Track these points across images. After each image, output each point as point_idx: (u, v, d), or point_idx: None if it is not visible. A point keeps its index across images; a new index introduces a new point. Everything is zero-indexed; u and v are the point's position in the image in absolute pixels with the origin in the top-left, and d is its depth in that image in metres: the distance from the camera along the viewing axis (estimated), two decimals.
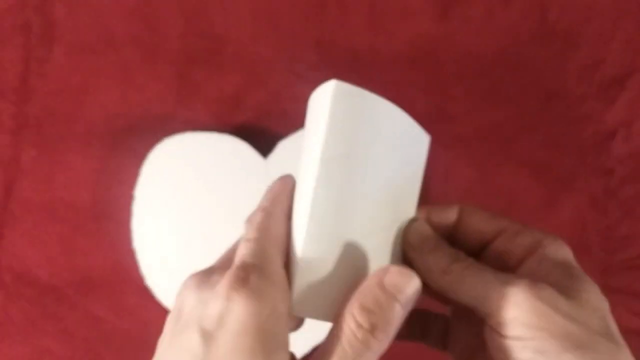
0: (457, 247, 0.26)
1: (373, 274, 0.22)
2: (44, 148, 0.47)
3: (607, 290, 0.24)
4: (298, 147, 0.44)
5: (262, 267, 0.21)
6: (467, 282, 0.23)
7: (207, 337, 0.19)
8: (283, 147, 0.45)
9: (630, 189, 0.48)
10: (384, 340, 0.21)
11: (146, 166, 0.45)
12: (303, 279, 0.22)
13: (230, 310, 0.19)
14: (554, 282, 0.22)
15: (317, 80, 0.48)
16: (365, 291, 0.21)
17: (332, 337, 0.21)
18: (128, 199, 0.45)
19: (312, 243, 0.22)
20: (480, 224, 0.26)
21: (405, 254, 0.26)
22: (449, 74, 0.48)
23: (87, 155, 0.47)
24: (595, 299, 0.22)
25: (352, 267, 0.23)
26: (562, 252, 0.24)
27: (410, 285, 0.22)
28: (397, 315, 0.21)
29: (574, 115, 0.48)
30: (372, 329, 0.21)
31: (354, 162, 0.23)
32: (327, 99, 0.23)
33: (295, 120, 0.47)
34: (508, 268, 0.24)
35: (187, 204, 0.45)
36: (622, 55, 0.49)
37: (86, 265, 0.46)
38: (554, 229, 0.47)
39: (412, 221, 0.26)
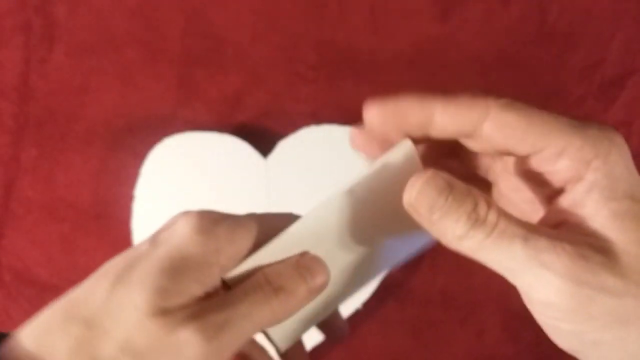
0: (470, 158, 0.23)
1: (292, 256, 0.23)
2: (45, 147, 0.47)
3: None
4: (298, 147, 0.45)
5: (234, 223, 0.22)
6: (489, 255, 0.19)
7: (153, 242, 0.22)
8: (283, 147, 0.45)
9: None
10: (283, 305, 0.22)
11: (146, 166, 0.45)
12: None
13: (176, 228, 0.22)
14: (597, 230, 0.19)
15: (317, 81, 0.48)
16: (281, 264, 0.23)
17: (236, 290, 0.22)
18: (128, 198, 0.45)
19: None
20: (510, 141, 0.20)
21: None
22: (449, 74, 0.48)
23: (87, 154, 0.47)
24: None
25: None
26: (613, 178, 0.19)
27: (320, 275, 0.23)
28: (302, 294, 0.22)
29: (574, 115, 0.48)
30: (277, 290, 0.22)
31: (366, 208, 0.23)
32: (396, 154, 0.22)
33: (295, 120, 0.47)
34: (548, 194, 0.21)
35: (187, 203, 0.45)
36: (622, 56, 0.49)
37: (86, 264, 0.46)
38: None
39: (414, 179, 0.20)
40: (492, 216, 0.19)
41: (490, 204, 0.19)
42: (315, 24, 0.48)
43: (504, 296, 0.46)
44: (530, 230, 0.19)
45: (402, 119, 0.21)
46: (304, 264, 0.23)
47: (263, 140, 0.46)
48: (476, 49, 0.48)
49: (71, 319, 0.20)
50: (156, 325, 0.19)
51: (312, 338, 0.43)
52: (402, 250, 0.25)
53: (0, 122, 0.48)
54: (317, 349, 0.43)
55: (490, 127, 0.20)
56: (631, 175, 0.19)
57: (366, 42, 0.48)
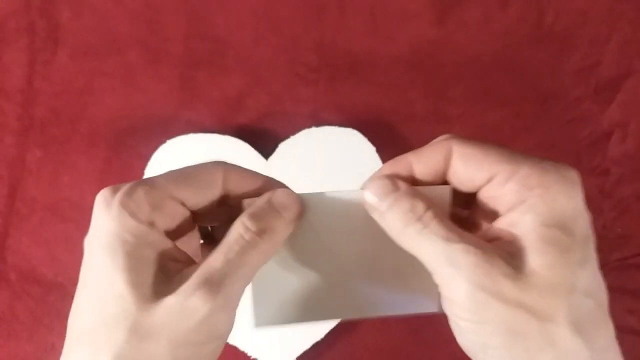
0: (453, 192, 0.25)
1: (264, 195, 0.24)
2: (49, 149, 0.48)
3: None
4: (299, 148, 0.45)
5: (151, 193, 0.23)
6: (418, 250, 0.22)
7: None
8: (284, 149, 0.46)
9: (626, 189, 0.48)
10: (268, 243, 0.23)
11: (150, 167, 0.45)
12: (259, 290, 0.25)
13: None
14: (520, 248, 0.21)
15: (318, 82, 0.48)
16: (256, 206, 0.24)
17: (222, 241, 0.23)
18: None
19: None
20: (470, 169, 0.23)
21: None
22: (447, 76, 0.49)
23: (91, 155, 0.48)
24: (561, 273, 0.20)
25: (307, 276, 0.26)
26: (552, 206, 0.21)
27: (293, 206, 0.24)
28: (282, 228, 0.24)
29: (570, 116, 0.49)
30: (260, 233, 0.23)
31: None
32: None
33: (295, 122, 0.47)
34: (499, 214, 0.23)
35: None
36: (618, 58, 0.49)
37: None
38: None
39: (370, 180, 0.25)
40: (427, 217, 0.22)
41: (429, 207, 0.23)
42: (316, 26, 0.49)
43: None
44: (456, 235, 0.22)
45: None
46: (277, 201, 0.24)
47: (264, 142, 0.46)
48: (474, 51, 0.49)
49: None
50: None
51: (312, 336, 0.44)
52: (400, 303, 0.26)
53: (5, 124, 0.48)
54: (317, 346, 0.44)
55: (455, 160, 0.23)
56: (572, 208, 0.21)
57: (365, 45, 0.49)
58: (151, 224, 0.22)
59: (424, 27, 0.49)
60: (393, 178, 0.24)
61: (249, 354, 0.44)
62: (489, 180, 0.23)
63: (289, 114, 0.48)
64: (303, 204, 0.25)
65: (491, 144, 0.23)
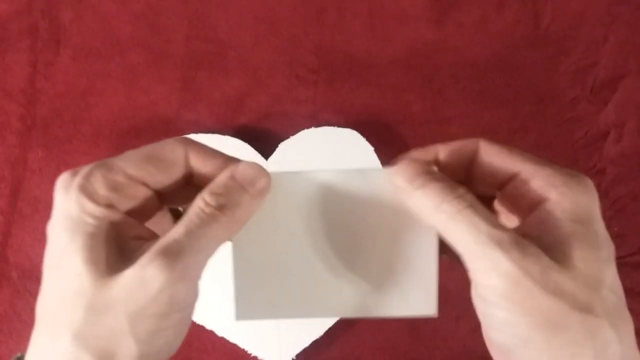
0: (472, 188, 0.24)
1: (226, 169, 0.23)
2: (51, 149, 0.48)
3: None
4: (298, 148, 0.46)
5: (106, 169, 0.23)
6: (456, 229, 0.21)
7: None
8: (284, 149, 0.46)
9: (622, 188, 0.49)
10: (230, 218, 0.22)
11: None
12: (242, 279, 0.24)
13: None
14: (554, 242, 0.21)
15: (317, 83, 0.49)
16: (217, 181, 0.23)
17: (183, 215, 0.22)
18: None
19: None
20: (495, 164, 0.23)
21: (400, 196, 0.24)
22: (445, 77, 0.49)
23: (93, 155, 0.48)
24: (593, 267, 0.21)
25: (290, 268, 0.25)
26: (576, 204, 0.21)
27: (259, 180, 0.23)
28: (246, 202, 0.23)
29: (566, 117, 0.49)
30: (220, 208, 0.22)
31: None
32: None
33: (295, 122, 0.48)
34: (521, 212, 0.23)
35: None
36: (614, 59, 0.49)
37: None
38: None
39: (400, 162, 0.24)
40: (469, 196, 0.22)
41: (468, 189, 0.22)
42: (315, 28, 0.49)
43: None
44: (497, 220, 0.21)
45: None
46: (241, 175, 0.23)
47: (264, 142, 0.47)
48: (471, 52, 0.49)
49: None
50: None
51: (311, 334, 0.44)
52: (393, 303, 0.25)
53: (8, 124, 0.49)
54: (316, 344, 0.44)
55: (481, 155, 0.23)
56: (593, 209, 0.22)
57: (364, 46, 0.49)
58: (110, 206, 0.22)
59: (421, 29, 0.49)
60: (427, 161, 0.24)
61: (248, 352, 0.44)
62: (512, 178, 0.23)
63: (288, 114, 0.49)
64: (270, 178, 0.24)
65: (516, 148, 0.24)
